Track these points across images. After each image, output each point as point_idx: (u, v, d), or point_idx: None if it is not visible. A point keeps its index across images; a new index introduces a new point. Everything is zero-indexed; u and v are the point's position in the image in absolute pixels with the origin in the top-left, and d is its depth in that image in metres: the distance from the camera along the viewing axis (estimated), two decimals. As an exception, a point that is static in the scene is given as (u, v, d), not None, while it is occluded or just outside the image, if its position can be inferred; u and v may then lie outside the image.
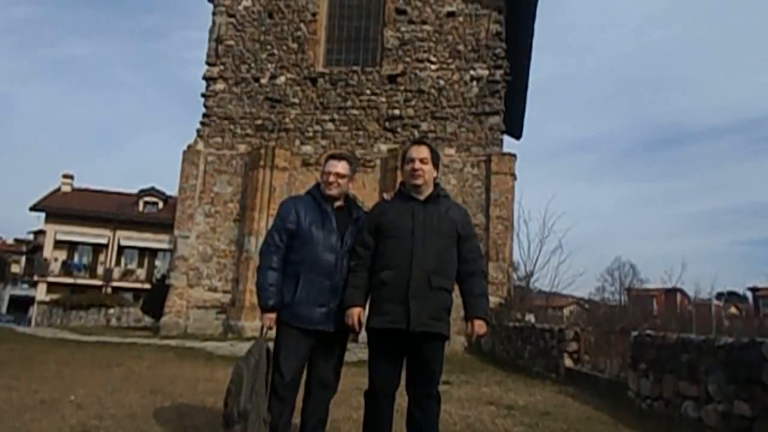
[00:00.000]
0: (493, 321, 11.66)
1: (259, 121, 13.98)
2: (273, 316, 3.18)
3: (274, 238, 3.23)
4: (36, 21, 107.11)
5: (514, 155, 13.02)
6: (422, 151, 3.08)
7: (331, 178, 3.24)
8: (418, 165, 3.04)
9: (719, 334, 6.56)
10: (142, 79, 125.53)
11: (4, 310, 42.67)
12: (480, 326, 3.01)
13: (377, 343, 3.00)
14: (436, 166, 3.14)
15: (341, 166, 3.27)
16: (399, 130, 13.37)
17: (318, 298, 3.09)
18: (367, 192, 12.73)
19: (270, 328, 3.20)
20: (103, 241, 35.89)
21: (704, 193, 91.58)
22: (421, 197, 3.06)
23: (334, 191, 3.25)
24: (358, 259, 3.08)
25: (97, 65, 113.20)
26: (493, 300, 12.16)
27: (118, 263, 36.47)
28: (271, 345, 3.17)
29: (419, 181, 3.04)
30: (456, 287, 3.06)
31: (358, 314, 3.00)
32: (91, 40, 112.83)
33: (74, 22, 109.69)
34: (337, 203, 3.28)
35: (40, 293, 34.38)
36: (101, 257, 36.38)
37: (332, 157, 3.38)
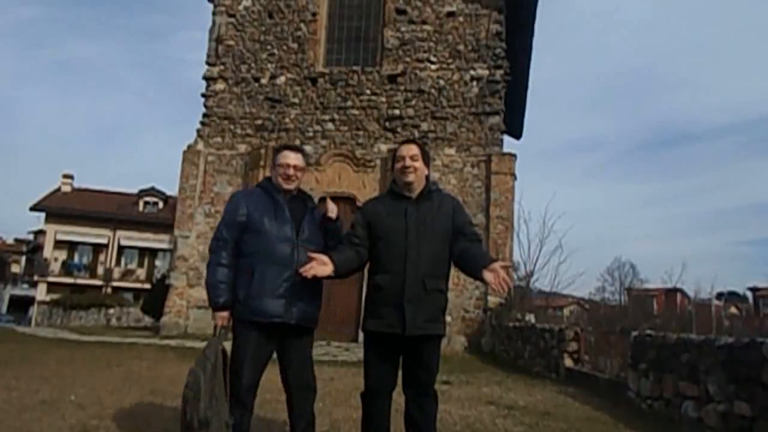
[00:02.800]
0: (493, 321, 11.67)
1: (259, 121, 13.97)
2: (226, 314, 3.06)
3: (222, 232, 3.09)
4: (38, 22, 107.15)
5: (514, 155, 13.02)
6: (412, 149, 3.03)
7: (291, 171, 3.10)
8: (408, 162, 2.99)
9: (719, 334, 6.56)
10: (143, 79, 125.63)
11: (4, 310, 42.68)
12: (497, 269, 2.68)
13: (373, 344, 2.99)
14: (427, 164, 3.07)
15: (299, 158, 3.15)
16: (399, 130, 13.36)
17: (275, 289, 2.95)
18: (367, 192, 12.71)
19: (224, 327, 3.08)
20: (103, 241, 35.91)
21: (704, 193, 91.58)
22: (413, 195, 3.02)
23: (292, 185, 3.13)
24: (350, 245, 2.98)
25: (98, 65, 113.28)
26: (493, 300, 12.17)
27: (118, 263, 36.50)
28: (226, 345, 3.04)
29: (411, 178, 2.99)
30: (450, 286, 3.03)
31: (321, 260, 2.81)
32: (93, 41, 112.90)
33: (76, 22, 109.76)
34: (291, 194, 3.16)
35: (40, 293, 34.41)
36: (101, 257, 36.41)
37: (287, 148, 3.23)
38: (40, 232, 39.61)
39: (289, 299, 2.98)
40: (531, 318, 12.65)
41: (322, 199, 3.23)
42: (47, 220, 35.85)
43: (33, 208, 35.81)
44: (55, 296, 31.80)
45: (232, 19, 14.55)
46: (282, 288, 2.97)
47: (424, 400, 2.94)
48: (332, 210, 3.13)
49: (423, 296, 2.87)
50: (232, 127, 14.10)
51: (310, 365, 3.13)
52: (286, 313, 2.97)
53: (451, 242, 3.00)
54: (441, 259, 2.99)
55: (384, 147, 13.36)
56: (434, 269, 2.94)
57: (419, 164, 3.01)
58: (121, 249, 36.45)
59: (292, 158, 3.13)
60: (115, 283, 35.50)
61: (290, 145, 3.36)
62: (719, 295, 27.07)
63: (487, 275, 2.70)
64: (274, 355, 3.14)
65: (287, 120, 13.85)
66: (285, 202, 3.11)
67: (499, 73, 13.37)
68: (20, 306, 41.12)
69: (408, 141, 3.17)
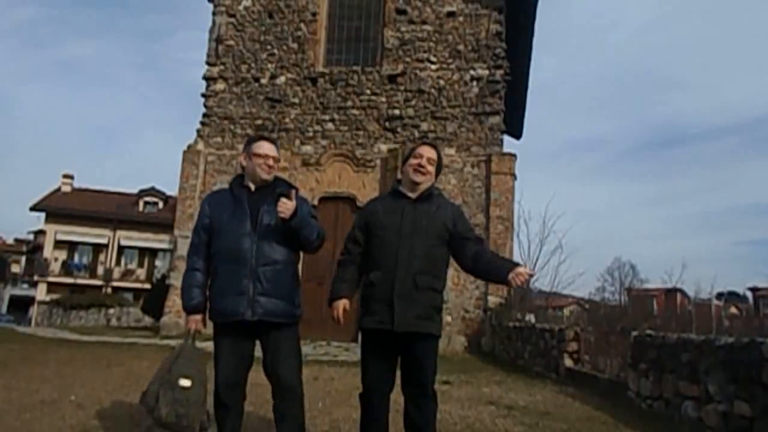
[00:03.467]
0: (493, 321, 11.67)
1: (259, 121, 13.97)
2: (198, 317, 3.07)
3: (193, 238, 3.14)
4: (38, 22, 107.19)
5: (514, 155, 13.01)
6: (432, 153, 3.08)
7: (271, 162, 3.07)
8: (425, 163, 3.03)
9: (719, 334, 6.55)
10: (143, 79, 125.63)
11: (4, 310, 42.70)
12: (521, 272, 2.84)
13: (369, 343, 3.00)
14: (437, 174, 3.13)
15: (274, 149, 3.12)
16: (399, 130, 13.36)
17: (235, 286, 2.93)
18: (367, 192, 12.72)
19: (198, 330, 3.07)
20: (103, 241, 35.93)
21: (704, 193, 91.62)
22: (414, 195, 3.04)
23: (269, 175, 3.09)
24: (348, 254, 3.06)
25: (98, 65, 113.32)
26: (493, 300, 12.17)
27: (118, 263, 36.52)
28: (200, 348, 3.07)
29: (420, 179, 3.02)
30: (449, 285, 3.05)
31: (342, 306, 2.97)
32: (93, 41, 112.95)
33: (76, 22, 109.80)
34: (259, 184, 3.09)
35: (40, 293, 34.42)
36: (101, 257, 36.43)
37: (262, 138, 3.18)
38: (40, 232, 39.62)
39: (251, 295, 2.93)
40: (531, 318, 12.62)
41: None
42: (47, 220, 35.86)
43: (33, 208, 35.84)
44: (55, 296, 31.80)
45: (232, 19, 14.55)
46: (242, 285, 2.93)
47: (423, 401, 2.94)
48: (282, 210, 2.91)
49: (413, 293, 2.87)
50: (232, 127, 14.10)
51: (289, 363, 2.99)
52: (248, 310, 2.92)
53: (452, 247, 3.02)
54: (436, 258, 2.99)
55: (384, 147, 13.37)
56: (427, 267, 2.93)
57: (432, 170, 3.07)
58: (121, 249, 36.46)
59: (269, 149, 3.10)
60: (115, 283, 35.52)
61: (264, 135, 3.31)
62: (719, 295, 27.02)
63: (512, 278, 2.84)
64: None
65: (287, 120, 13.85)
66: (246, 196, 3.06)
67: (499, 73, 13.36)
68: (20, 306, 41.12)
69: (431, 144, 3.17)
